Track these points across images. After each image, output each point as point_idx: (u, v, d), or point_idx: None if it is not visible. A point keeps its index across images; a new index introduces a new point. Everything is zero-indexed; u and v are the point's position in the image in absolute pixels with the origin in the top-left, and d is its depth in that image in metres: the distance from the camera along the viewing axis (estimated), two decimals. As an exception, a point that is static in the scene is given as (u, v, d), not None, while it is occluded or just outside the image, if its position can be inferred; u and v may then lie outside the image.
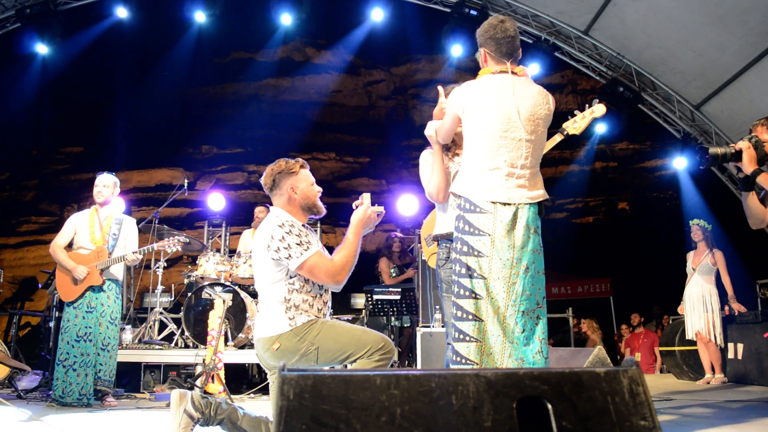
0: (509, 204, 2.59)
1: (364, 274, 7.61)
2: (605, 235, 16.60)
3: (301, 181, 2.92)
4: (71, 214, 5.29)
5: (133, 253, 5.00)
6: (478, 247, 2.56)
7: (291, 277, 2.75)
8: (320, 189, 3.01)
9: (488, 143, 2.65)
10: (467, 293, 2.55)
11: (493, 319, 2.52)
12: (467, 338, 2.52)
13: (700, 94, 8.58)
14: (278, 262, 2.72)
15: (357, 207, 2.96)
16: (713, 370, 6.51)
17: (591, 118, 3.46)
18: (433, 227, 3.26)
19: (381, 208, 2.97)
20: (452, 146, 3.18)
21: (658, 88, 8.94)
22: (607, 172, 17.91)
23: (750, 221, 3.35)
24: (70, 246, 5.11)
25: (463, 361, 2.51)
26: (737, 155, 3.16)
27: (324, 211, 3.01)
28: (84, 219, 5.11)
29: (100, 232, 5.03)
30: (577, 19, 8.57)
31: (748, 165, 3.13)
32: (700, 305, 6.50)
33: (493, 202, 2.59)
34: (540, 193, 2.69)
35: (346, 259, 2.79)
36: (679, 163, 9.75)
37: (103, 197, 5.13)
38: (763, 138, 3.19)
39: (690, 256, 6.84)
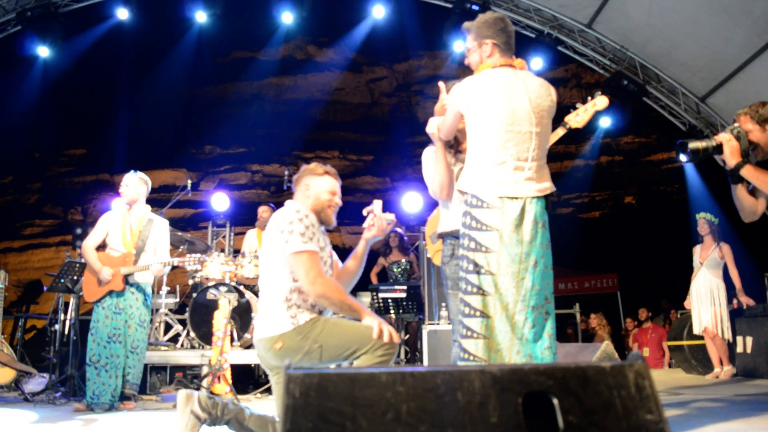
0: (517, 198, 2.57)
1: (369, 274, 7.60)
2: (611, 229, 16.57)
3: (317, 183, 2.87)
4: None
5: (162, 264, 4.93)
6: (486, 242, 2.55)
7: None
8: (339, 202, 2.92)
9: (494, 138, 2.62)
10: (474, 290, 2.54)
11: (501, 315, 2.50)
12: (474, 335, 2.51)
13: (705, 86, 8.54)
14: (281, 246, 2.69)
15: (368, 213, 2.93)
16: (722, 363, 6.48)
17: (593, 111, 3.43)
18: (438, 224, 3.24)
19: (392, 216, 2.95)
20: (455, 143, 3.16)
21: (662, 80, 8.90)
22: (612, 167, 17.87)
23: (742, 214, 3.20)
24: (103, 247, 5.02)
25: (471, 358, 2.49)
26: (720, 148, 3.02)
27: (333, 223, 2.92)
28: (116, 219, 4.99)
29: (130, 235, 4.94)
30: (579, 12, 8.54)
31: (730, 158, 2.98)
32: (708, 299, 6.47)
33: (500, 197, 2.57)
34: (547, 186, 2.67)
35: (331, 293, 2.64)
36: (684, 159, 9.68)
37: (127, 197, 5.01)
38: (746, 128, 3.02)
39: (697, 249, 6.80)
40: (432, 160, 3.08)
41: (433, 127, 3.02)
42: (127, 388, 4.75)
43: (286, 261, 2.70)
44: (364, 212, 2.94)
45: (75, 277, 5.34)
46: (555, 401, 1.21)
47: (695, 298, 6.60)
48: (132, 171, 5.12)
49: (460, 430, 1.17)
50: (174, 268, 7.02)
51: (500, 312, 2.50)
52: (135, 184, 5.04)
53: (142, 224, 4.99)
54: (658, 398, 1.24)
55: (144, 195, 5.10)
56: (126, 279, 4.85)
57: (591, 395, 1.23)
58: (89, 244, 4.92)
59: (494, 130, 2.62)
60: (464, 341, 2.54)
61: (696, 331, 6.59)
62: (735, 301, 6.63)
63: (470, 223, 2.60)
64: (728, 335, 6.40)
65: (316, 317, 2.72)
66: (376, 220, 2.93)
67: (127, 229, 4.94)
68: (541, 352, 2.50)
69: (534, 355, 2.49)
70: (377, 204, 2.92)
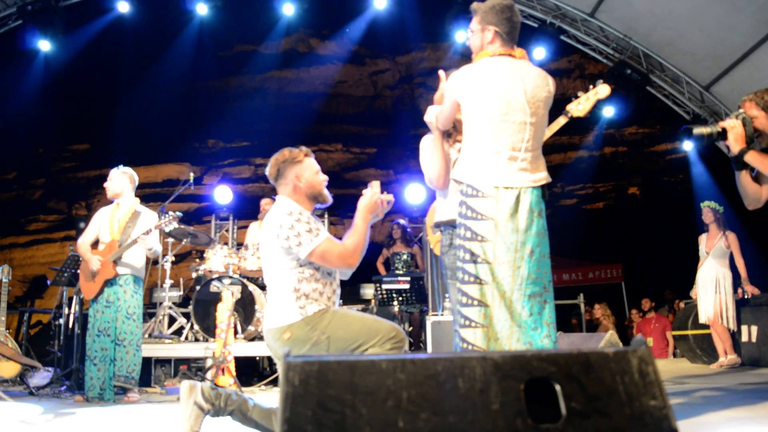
0: (511, 188, 2.56)
1: (372, 265, 7.58)
2: (616, 220, 16.49)
3: (305, 170, 2.89)
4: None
5: (143, 234, 4.92)
6: (482, 232, 2.53)
7: (301, 266, 2.73)
8: (326, 177, 2.98)
9: (489, 127, 2.61)
10: (472, 279, 2.53)
11: (499, 303, 2.49)
12: (473, 324, 2.50)
13: (709, 75, 8.47)
14: (288, 251, 2.70)
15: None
16: (726, 353, 6.46)
17: (595, 100, 3.40)
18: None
19: (390, 197, 2.95)
20: (453, 132, 3.14)
21: (666, 69, 8.83)
22: (616, 157, 17.76)
23: (745, 201, 3.20)
24: (97, 243, 5.14)
25: (470, 347, 2.49)
26: (724, 134, 3.01)
27: (330, 200, 2.98)
28: (106, 215, 5.15)
29: (117, 226, 5.06)
30: (582, 1, 8.47)
31: (734, 144, 2.98)
32: (713, 288, 6.44)
33: (495, 187, 2.55)
34: (542, 176, 2.65)
35: (357, 243, 2.78)
36: (689, 146, 9.66)
37: (110, 191, 5.15)
38: (752, 114, 3.02)
39: (702, 239, 6.76)
40: (430, 148, 3.07)
41: (431, 116, 3.00)
42: (115, 380, 4.75)
43: (301, 260, 2.72)
44: (364, 193, 2.94)
45: (78, 271, 5.38)
46: (557, 387, 1.20)
47: (701, 287, 6.57)
48: (120, 166, 5.25)
49: (461, 417, 1.15)
50: (173, 261, 7.04)
51: (498, 300, 2.50)
52: (117, 178, 5.17)
53: (128, 216, 5.11)
54: (662, 384, 1.22)
55: (129, 188, 5.21)
56: (117, 266, 4.92)
57: (594, 381, 1.22)
58: (84, 240, 5.07)
59: (488, 119, 2.61)
60: (463, 330, 2.53)
61: (701, 320, 6.56)
62: (740, 291, 6.60)
63: (466, 212, 2.59)
64: (733, 324, 6.37)
65: (325, 309, 2.72)
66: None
67: (115, 221, 5.08)
68: (540, 340, 2.49)
69: (534, 344, 2.48)
70: (376, 185, 2.92)
